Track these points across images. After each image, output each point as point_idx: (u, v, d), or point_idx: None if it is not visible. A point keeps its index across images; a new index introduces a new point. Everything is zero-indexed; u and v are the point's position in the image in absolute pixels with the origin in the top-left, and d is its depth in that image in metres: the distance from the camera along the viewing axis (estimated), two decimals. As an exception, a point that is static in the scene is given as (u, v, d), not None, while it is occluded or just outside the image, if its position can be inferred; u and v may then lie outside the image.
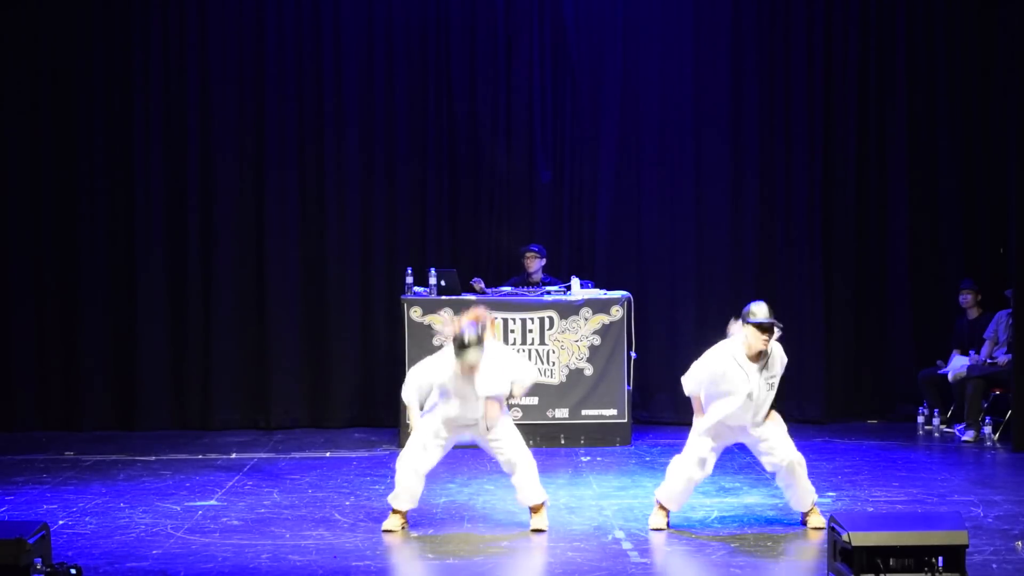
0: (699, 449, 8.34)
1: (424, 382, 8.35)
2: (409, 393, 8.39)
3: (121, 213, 12.56)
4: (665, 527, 8.35)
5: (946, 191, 12.88)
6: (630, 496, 9.36)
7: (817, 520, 8.28)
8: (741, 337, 8.15)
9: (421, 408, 8.43)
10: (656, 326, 12.49)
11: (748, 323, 8.09)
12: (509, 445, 8.40)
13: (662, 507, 8.43)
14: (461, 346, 8.08)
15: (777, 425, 8.32)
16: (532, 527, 8.34)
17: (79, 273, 12.49)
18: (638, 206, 12.85)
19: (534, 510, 8.41)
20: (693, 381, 8.38)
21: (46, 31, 12.44)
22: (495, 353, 8.31)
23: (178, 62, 12.56)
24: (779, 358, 8.27)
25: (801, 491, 8.32)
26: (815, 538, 8.04)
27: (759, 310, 8.08)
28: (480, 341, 8.09)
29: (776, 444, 8.27)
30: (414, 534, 8.28)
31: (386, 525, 8.36)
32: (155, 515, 8.78)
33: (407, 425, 8.55)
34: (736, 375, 8.14)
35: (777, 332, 8.12)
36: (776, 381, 8.27)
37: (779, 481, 8.40)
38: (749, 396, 8.15)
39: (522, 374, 8.45)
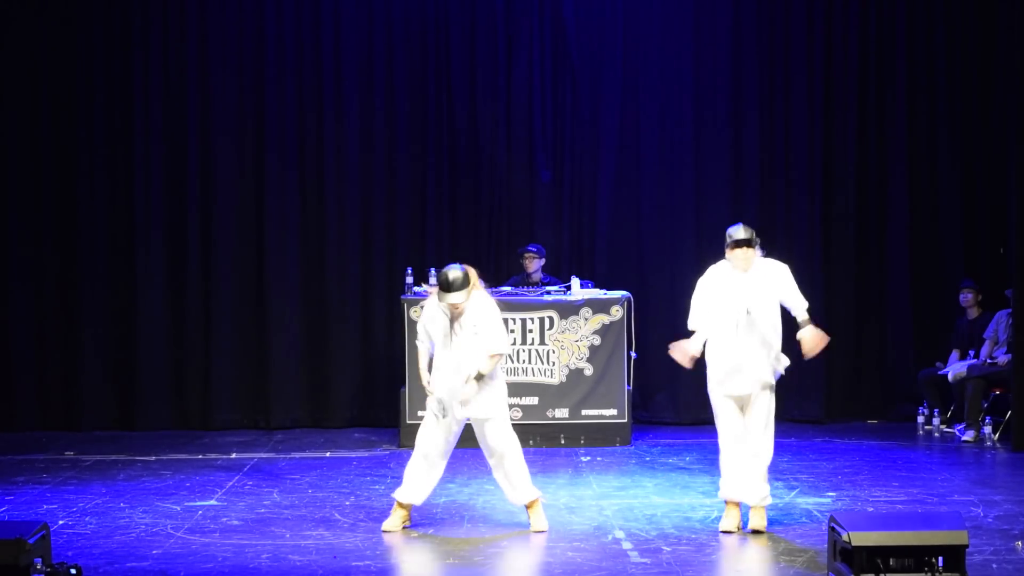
0: (725, 423, 8.25)
1: (425, 324, 8.39)
2: (420, 339, 8.46)
3: (121, 213, 12.56)
4: (736, 529, 8.23)
5: (946, 191, 12.88)
6: (630, 496, 9.36)
7: (757, 521, 8.21)
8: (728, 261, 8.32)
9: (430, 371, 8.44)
10: (656, 326, 12.47)
11: (727, 247, 8.25)
12: (498, 433, 8.32)
13: (730, 504, 8.31)
14: (443, 287, 8.15)
15: (767, 402, 8.20)
16: (532, 528, 8.32)
17: (79, 273, 12.49)
18: (638, 206, 12.85)
19: (529, 508, 8.38)
20: (694, 312, 8.38)
21: (46, 30, 12.44)
22: (480, 311, 8.28)
23: (178, 61, 12.56)
24: (772, 269, 8.30)
25: (756, 480, 8.21)
26: (815, 538, 8.02)
27: (734, 230, 8.25)
28: (464, 283, 8.13)
29: (752, 428, 8.19)
30: (414, 533, 8.28)
31: (386, 525, 8.36)
32: (155, 515, 8.78)
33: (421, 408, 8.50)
34: (726, 286, 8.23)
35: (757, 250, 8.22)
36: (772, 293, 8.21)
37: (744, 461, 8.31)
38: (737, 309, 8.16)
39: (492, 343, 8.29)
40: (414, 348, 11.05)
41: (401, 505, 8.40)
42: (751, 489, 8.23)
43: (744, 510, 8.31)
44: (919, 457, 10.98)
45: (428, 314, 8.40)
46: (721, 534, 8.20)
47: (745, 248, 8.22)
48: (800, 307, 8.30)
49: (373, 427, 12.41)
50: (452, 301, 8.17)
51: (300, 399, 12.62)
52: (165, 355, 12.55)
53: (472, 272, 8.27)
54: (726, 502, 8.35)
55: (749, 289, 8.22)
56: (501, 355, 8.32)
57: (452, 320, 8.28)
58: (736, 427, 8.26)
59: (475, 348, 8.27)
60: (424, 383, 8.46)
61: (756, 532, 8.19)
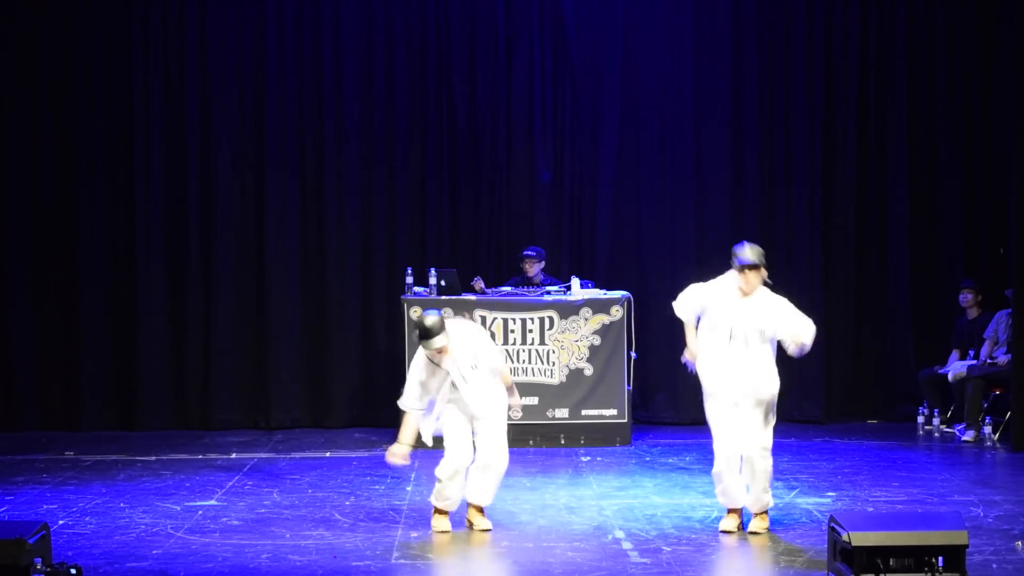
0: (720, 437, 8.21)
1: (417, 383, 8.26)
2: (408, 400, 8.29)
3: (121, 213, 12.56)
4: (736, 529, 8.22)
5: (946, 191, 12.88)
6: (630, 496, 9.36)
7: (758, 525, 8.18)
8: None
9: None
10: (656, 326, 12.46)
11: (734, 267, 8.15)
12: (492, 434, 8.33)
13: (731, 510, 8.29)
14: (424, 335, 8.07)
15: (762, 417, 8.14)
16: (479, 527, 8.32)
17: (79, 273, 12.49)
18: (638, 206, 12.85)
19: (478, 511, 8.39)
20: (682, 304, 8.35)
21: (46, 32, 12.43)
22: (469, 343, 8.28)
23: (178, 62, 12.55)
24: (768, 304, 8.12)
25: (756, 491, 8.18)
26: (815, 538, 8.02)
27: (741, 251, 8.12)
28: (441, 326, 8.06)
29: (750, 433, 8.13)
30: (414, 534, 8.28)
31: (436, 526, 8.33)
32: (155, 515, 8.78)
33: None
34: (722, 305, 8.13)
35: (760, 272, 8.07)
36: (767, 329, 8.06)
37: (743, 471, 8.26)
38: (731, 334, 8.09)
39: (498, 364, 8.38)
40: (414, 348, 11.08)
41: (439, 511, 8.39)
42: (752, 498, 8.22)
43: (746, 513, 8.30)
44: (919, 457, 10.98)
45: (425, 372, 8.22)
46: (721, 534, 8.20)
47: (749, 271, 8.08)
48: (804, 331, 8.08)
49: (373, 427, 12.41)
50: (438, 346, 8.07)
51: (300, 399, 12.62)
52: (165, 355, 12.55)
53: (443, 314, 8.29)
54: (728, 508, 8.35)
55: (747, 313, 8.11)
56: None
57: (444, 368, 8.20)
58: (732, 441, 8.18)
59: (482, 381, 8.26)
60: (402, 454, 8.25)
61: (756, 534, 8.18)
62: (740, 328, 8.10)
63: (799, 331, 8.04)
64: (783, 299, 8.23)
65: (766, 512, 8.25)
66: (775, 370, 8.19)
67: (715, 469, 8.31)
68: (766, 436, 8.16)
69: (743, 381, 8.10)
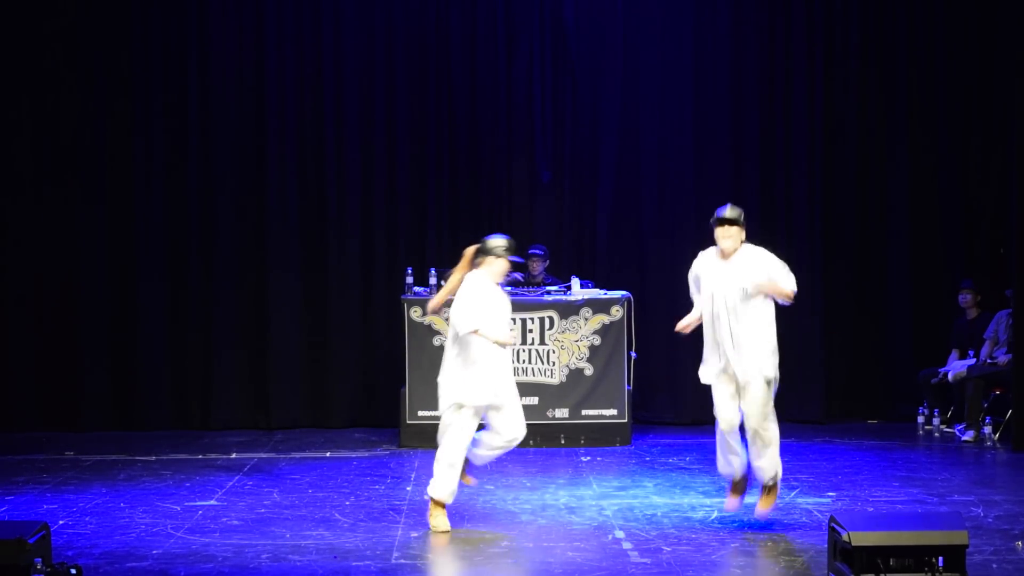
0: (720, 410, 8.24)
1: (478, 305, 8.31)
2: (476, 320, 8.28)
3: (121, 212, 12.55)
4: (738, 507, 8.35)
5: (946, 191, 12.88)
6: (630, 496, 9.36)
7: (764, 503, 8.24)
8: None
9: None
10: (656, 326, 12.47)
11: (712, 225, 8.25)
12: (517, 411, 8.40)
13: (733, 485, 8.35)
14: (501, 247, 8.58)
15: (759, 392, 8.12)
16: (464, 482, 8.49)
17: (79, 273, 12.49)
18: (638, 205, 12.86)
19: (465, 478, 8.51)
20: (691, 288, 8.47)
21: (46, 32, 12.43)
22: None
23: (178, 64, 12.55)
24: (751, 260, 8.18)
25: (764, 462, 8.20)
26: (815, 538, 8.03)
27: (720, 209, 8.21)
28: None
29: (748, 410, 8.16)
30: (414, 534, 8.28)
31: (437, 525, 8.33)
32: (155, 515, 8.78)
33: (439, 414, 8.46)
34: (708, 271, 8.26)
35: (737, 229, 8.14)
36: (748, 285, 8.10)
37: (749, 447, 8.30)
38: (713, 296, 8.17)
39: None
40: (414, 348, 11.13)
41: (438, 502, 8.41)
42: (760, 471, 8.25)
43: (754, 485, 8.33)
44: (919, 457, 10.98)
45: (482, 296, 8.44)
46: (720, 532, 8.20)
47: (728, 226, 8.16)
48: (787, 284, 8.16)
49: (373, 427, 12.41)
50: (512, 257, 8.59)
51: (300, 399, 12.62)
52: (165, 355, 12.55)
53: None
54: (731, 482, 8.38)
55: (732, 278, 8.17)
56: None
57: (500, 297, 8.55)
58: (730, 413, 8.21)
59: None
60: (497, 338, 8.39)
61: (761, 514, 8.21)
62: (723, 290, 8.16)
63: (777, 279, 8.12)
64: (764, 250, 8.27)
65: (776, 487, 8.26)
66: (769, 349, 8.16)
67: (717, 436, 8.36)
68: (769, 412, 8.18)
69: (741, 351, 8.11)
